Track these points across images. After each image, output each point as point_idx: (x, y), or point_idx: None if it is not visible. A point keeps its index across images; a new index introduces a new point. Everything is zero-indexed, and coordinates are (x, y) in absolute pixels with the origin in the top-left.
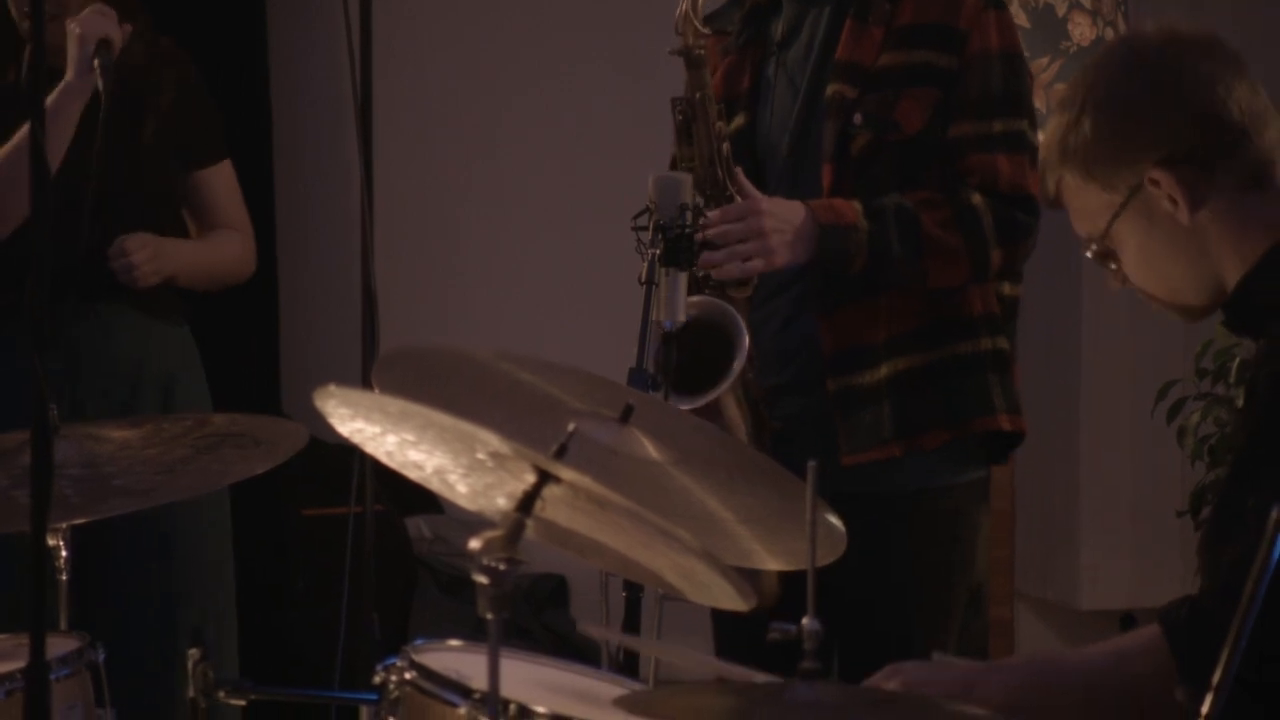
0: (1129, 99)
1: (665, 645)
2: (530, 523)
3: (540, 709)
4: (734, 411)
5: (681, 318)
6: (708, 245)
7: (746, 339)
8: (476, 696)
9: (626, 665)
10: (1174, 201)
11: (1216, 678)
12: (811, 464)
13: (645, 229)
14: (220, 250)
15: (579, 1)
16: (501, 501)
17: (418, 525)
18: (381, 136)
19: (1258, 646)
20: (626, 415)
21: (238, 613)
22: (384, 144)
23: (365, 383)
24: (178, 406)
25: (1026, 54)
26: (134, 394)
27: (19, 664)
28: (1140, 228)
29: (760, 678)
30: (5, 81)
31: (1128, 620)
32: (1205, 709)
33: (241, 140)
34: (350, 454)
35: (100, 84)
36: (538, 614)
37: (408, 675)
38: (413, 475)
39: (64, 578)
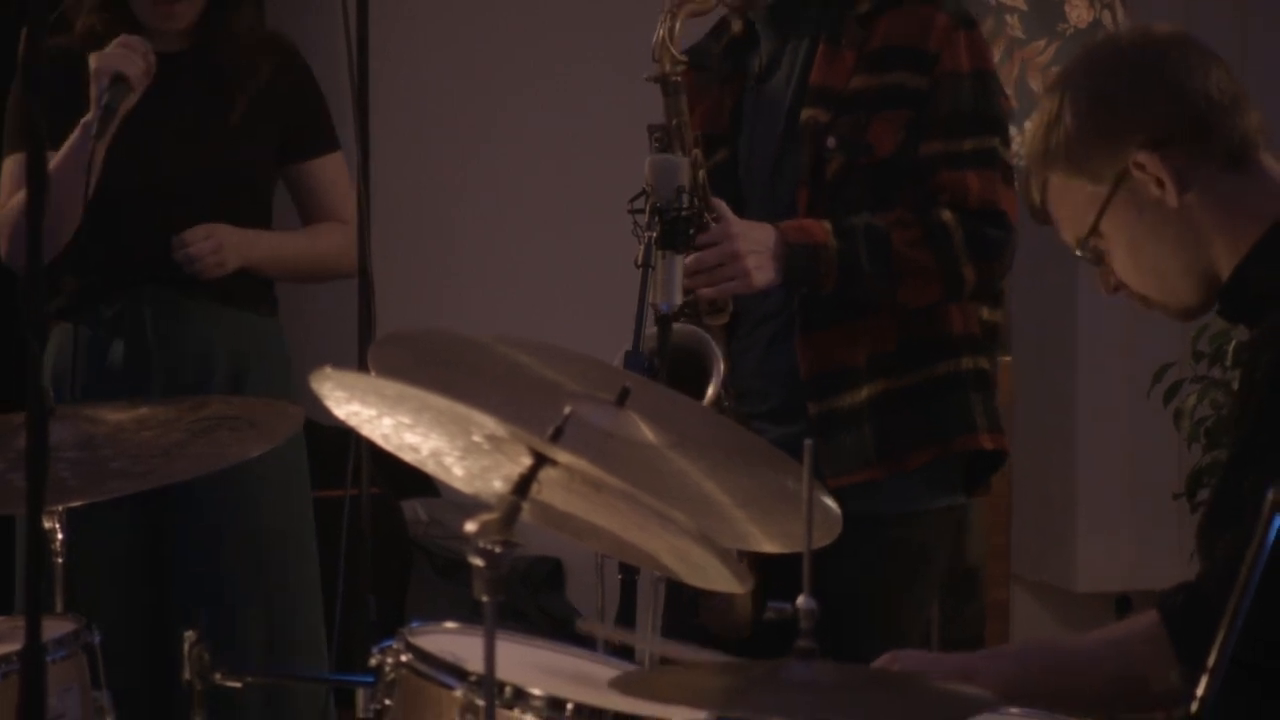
0: (1110, 89)
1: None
2: (526, 505)
3: (536, 691)
4: None
5: (678, 300)
6: (703, 227)
7: (722, 365)
8: (472, 679)
9: (622, 647)
10: (1160, 185)
11: (1211, 660)
12: (808, 442)
13: (641, 212)
14: (315, 243)
15: None
16: (497, 484)
17: (414, 508)
18: (378, 122)
19: (1256, 630)
20: (623, 398)
21: None
22: (380, 129)
23: (362, 365)
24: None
25: (1022, 36)
26: (201, 382)
27: (15, 646)
28: (1129, 219)
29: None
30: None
31: (1124, 603)
32: (1200, 691)
33: None
34: (346, 437)
35: (96, 123)
36: (534, 596)
37: (403, 658)
38: (409, 458)
39: (60, 560)
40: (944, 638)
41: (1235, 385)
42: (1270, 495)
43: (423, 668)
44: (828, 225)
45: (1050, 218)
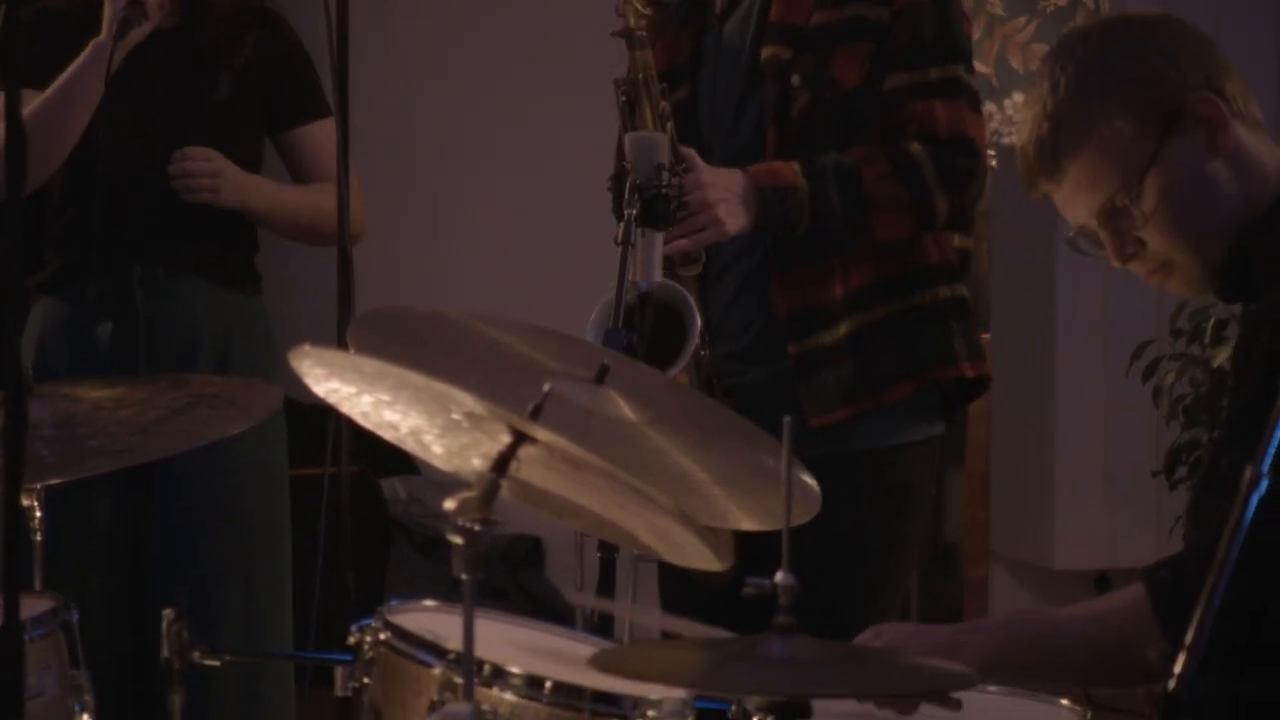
0: (1155, 37)
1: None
2: (505, 483)
3: (515, 669)
4: None
5: (658, 278)
6: (683, 205)
7: (699, 319)
8: (451, 657)
9: (601, 625)
10: (1212, 131)
11: (1189, 638)
12: (786, 420)
13: (621, 190)
14: (317, 200)
15: None
16: (477, 462)
17: (393, 486)
18: (358, 99)
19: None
20: (602, 376)
21: None
22: (360, 106)
23: (341, 343)
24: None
25: (1003, 13)
26: (187, 362)
27: None
28: (1179, 164)
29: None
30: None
31: (1102, 581)
32: (1178, 669)
33: None
34: (326, 414)
35: (113, 45)
36: (513, 574)
37: (382, 636)
38: (388, 436)
39: (39, 538)
40: (922, 614)
41: (1215, 363)
42: (1248, 474)
43: (401, 646)
44: (796, 166)
45: (1056, 177)
